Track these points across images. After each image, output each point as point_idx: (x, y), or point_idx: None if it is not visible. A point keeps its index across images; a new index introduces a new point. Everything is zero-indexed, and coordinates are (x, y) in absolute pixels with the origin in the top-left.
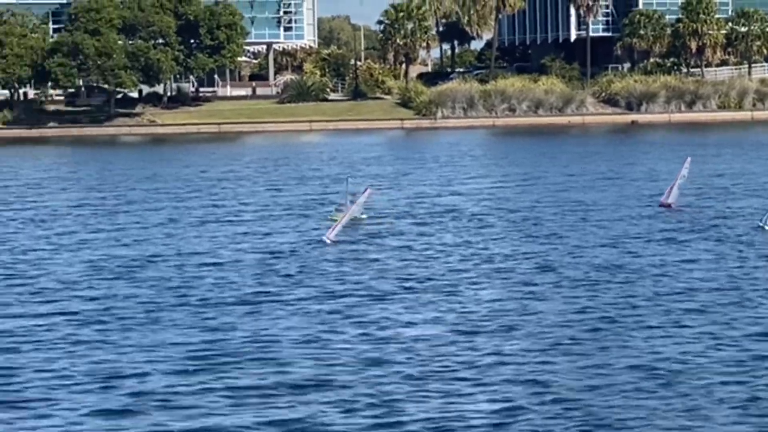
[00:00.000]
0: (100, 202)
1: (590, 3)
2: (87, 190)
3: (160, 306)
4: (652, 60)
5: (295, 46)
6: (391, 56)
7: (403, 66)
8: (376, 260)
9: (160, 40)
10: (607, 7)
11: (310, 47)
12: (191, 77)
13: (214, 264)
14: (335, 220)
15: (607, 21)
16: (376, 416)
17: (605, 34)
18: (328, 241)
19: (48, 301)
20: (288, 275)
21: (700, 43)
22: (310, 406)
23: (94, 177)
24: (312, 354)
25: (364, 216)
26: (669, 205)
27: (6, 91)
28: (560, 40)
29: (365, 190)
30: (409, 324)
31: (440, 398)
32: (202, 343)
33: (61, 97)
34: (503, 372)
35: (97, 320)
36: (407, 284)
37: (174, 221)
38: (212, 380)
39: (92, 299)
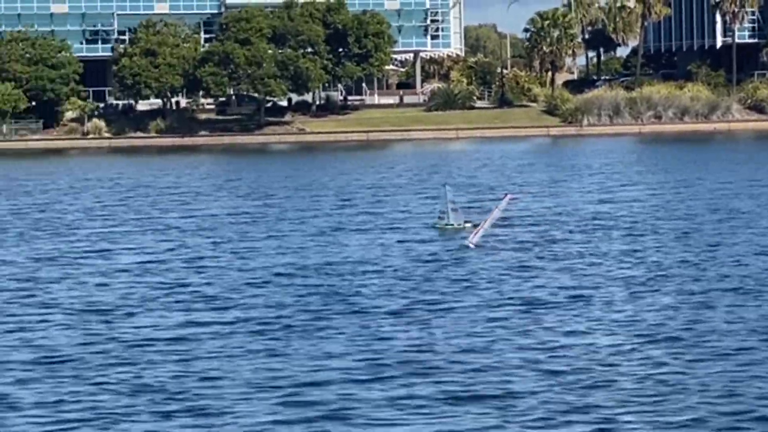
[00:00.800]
0: (261, 210)
1: (736, 10)
2: (246, 197)
3: (324, 314)
4: None
5: (441, 55)
6: (537, 64)
7: (549, 73)
8: (527, 267)
9: (309, 49)
10: (753, 13)
11: (457, 55)
12: (339, 85)
13: (372, 271)
14: (441, 228)
15: (753, 27)
16: (543, 427)
17: (751, 40)
18: (471, 246)
19: (216, 309)
20: (442, 281)
21: None
22: (476, 417)
23: (252, 185)
24: (476, 363)
25: (468, 224)
26: None
27: (159, 100)
28: (706, 47)
29: (505, 195)
30: (571, 333)
31: (607, 409)
32: (369, 352)
33: (212, 106)
34: (675, 383)
35: (265, 329)
36: (562, 292)
37: (333, 229)
38: (383, 390)
39: (259, 307)
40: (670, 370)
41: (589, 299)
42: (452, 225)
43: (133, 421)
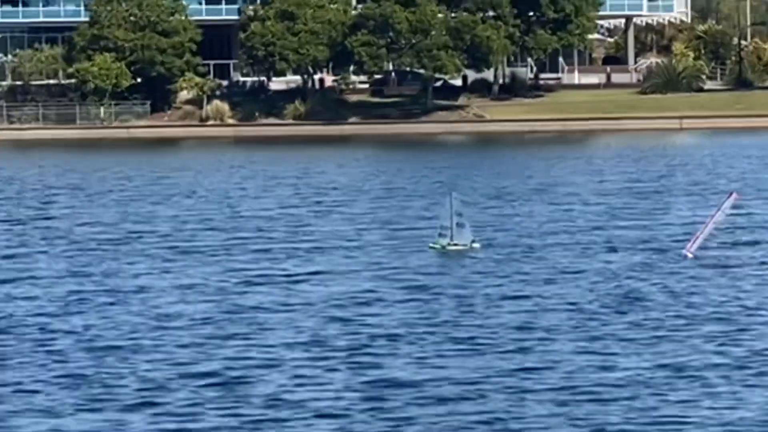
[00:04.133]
0: (507, 213)
1: None
2: (488, 199)
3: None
4: None
5: (662, 21)
6: None
7: None
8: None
9: (491, 13)
10: None
11: (682, 21)
12: (529, 60)
13: (650, 284)
14: (439, 249)
15: None
16: None
17: None
18: (690, 255)
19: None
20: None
21: None
22: None
23: (478, 185)
24: None
25: (476, 245)
26: None
27: (298, 77)
28: None
29: (730, 194)
30: None
31: None
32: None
33: (366, 86)
34: None
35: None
36: None
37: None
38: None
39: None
40: None
41: None
42: (455, 245)
43: None
